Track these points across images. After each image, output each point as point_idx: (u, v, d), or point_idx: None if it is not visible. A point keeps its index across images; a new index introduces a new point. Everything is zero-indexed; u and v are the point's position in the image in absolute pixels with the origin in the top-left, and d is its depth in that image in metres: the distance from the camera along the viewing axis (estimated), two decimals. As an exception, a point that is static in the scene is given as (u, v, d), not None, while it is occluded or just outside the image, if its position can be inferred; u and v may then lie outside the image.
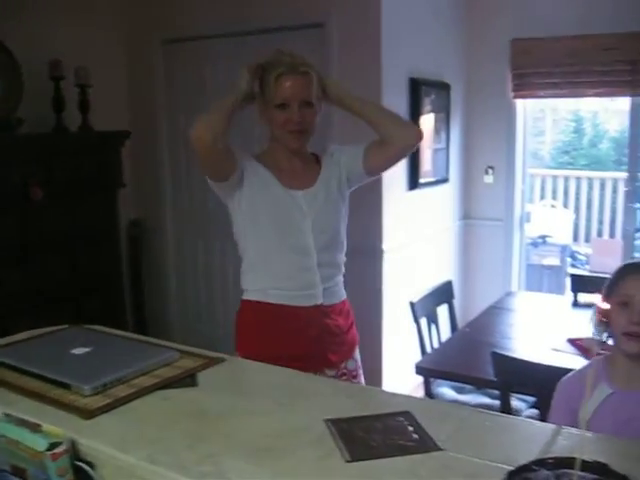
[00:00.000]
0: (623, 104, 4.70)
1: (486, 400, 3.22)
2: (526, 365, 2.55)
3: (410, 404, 1.53)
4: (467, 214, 5.18)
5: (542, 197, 7.46)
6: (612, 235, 7.04)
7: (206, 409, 1.53)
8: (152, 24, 4.72)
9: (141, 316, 5.06)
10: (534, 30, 4.67)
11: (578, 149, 9.17)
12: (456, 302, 4.02)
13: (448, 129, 4.74)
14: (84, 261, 4.18)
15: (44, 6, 4.19)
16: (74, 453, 1.37)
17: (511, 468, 1.16)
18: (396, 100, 4.00)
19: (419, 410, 1.49)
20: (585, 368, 1.99)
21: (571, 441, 1.36)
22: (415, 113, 4.23)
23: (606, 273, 4.80)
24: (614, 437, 1.52)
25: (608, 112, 8.85)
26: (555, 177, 7.60)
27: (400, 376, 4.02)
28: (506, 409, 2.63)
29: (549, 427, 1.47)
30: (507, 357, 2.62)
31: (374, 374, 3.90)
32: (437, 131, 4.57)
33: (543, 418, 2.48)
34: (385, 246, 4.04)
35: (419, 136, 2.27)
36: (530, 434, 1.44)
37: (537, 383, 2.49)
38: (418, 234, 4.50)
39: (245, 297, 2.35)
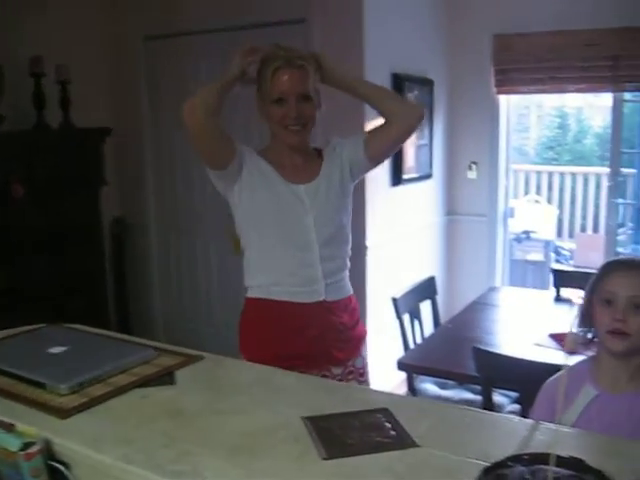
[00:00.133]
0: (607, 100, 4.72)
1: (469, 395, 3.23)
2: (507, 360, 2.55)
3: (388, 401, 1.53)
4: (451, 210, 5.19)
5: (526, 193, 7.48)
6: (596, 230, 7.07)
7: (183, 407, 1.52)
8: (134, 20, 4.69)
9: (125, 314, 5.03)
10: (516, 26, 4.68)
11: (562, 145, 9.21)
12: (440, 298, 4.03)
13: (431, 125, 4.74)
14: (66, 259, 4.14)
15: (24, 2, 4.16)
16: (49, 453, 1.36)
17: (487, 464, 1.16)
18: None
19: (397, 407, 1.48)
20: (568, 371, 1.89)
21: (549, 437, 1.36)
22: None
23: (590, 268, 4.84)
24: (591, 433, 1.52)
25: (592, 108, 8.89)
26: (539, 173, 7.62)
27: (383, 372, 4.00)
28: (488, 404, 2.63)
29: (527, 423, 1.47)
30: (488, 352, 2.62)
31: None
32: (420, 127, 4.56)
33: (525, 413, 2.49)
34: (368, 242, 4.04)
35: (421, 114, 2.24)
36: (508, 430, 1.44)
37: (519, 378, 2.49)
38: (401, 230, 4.50)
39: (248, 295, 2.31)
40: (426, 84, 4.59)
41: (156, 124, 4.86)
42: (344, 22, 3.94)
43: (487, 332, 3.36)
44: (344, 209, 2.30)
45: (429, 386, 3.38)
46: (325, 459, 1.27)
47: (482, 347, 2.67)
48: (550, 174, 7.53)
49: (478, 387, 2.90)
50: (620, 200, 4.87)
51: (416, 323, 3.60)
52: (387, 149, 2.33)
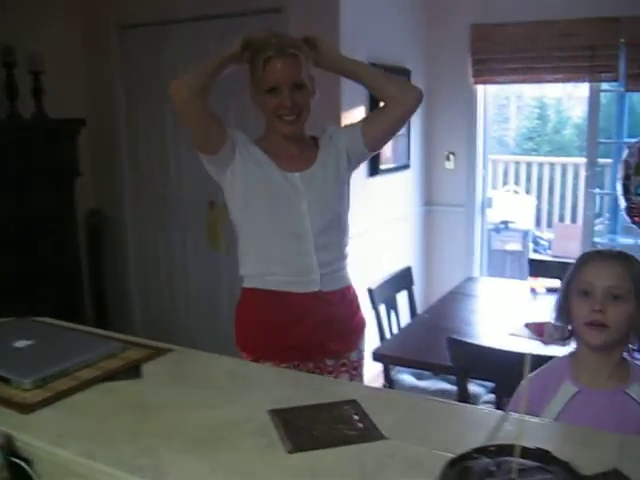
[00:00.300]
0: (586, 91, 4.73)
1: (445, 386, 3.22)
2: (482, 350, 2.54)
3: (357, 392, 1.52)
4: (428, 200, 5.18)
5: (505, 183, 7.49)
6: (574, 220, 7.09)
7: (148, 401, 1.49)
8: (108, 9, 4.63)
9: (102, 307, 4.99)
10: (494, 16, 4.68)
11: (542, 136, 9.23)
12: (418, 288, 4.02)
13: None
14: (40, 252, 4.09)
15: (-6, -10, 4.10)
16: (10, 449, 1.33)
17: (454, 456, 1.14)
18: (355, 86, 3.96)
19: (366, 399, 1.47)
20: (546, 369, 1.87)
21: (518, 427, 1.35)
22: (375, 99, 4.20)
23: (567, 258, 4.84)
24: (562, 423, 1.51)
25: (571, 99, 8.92)
26: (518, 163, 7.63)
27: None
28: (463, 395, 2.62)
29: (497, 414, 1.46)
30: (463, 342, 2.61)
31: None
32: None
33: (500, 403, 2.49)
34: (345, 233, 4.01)
35: (420, 96, 2.20)
36: (477, 421, 1.43)
37: (493, 368, 2.49)
38: (379, 221, 4.48)
39: (243, 285, 2.27)
40: (403, 74, 4.56)
41: (132, 115, 4.80)
42: (320, 12, 3.91)
43: (463, 322, 3.36)
44: (340, 198, 2.28)
45: (406, 377, 3.38)
46: (291, 452, 1.25)
47: (457, 337, 2.67)
48: (529, 164, 7.54)
49: (454, 377, 2.90)
50: (597, 190, 4.88)
51: (392, 314, 3.58)
52: (386, 133, 2.30)
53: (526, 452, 1.09)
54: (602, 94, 4.75)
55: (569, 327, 1.82)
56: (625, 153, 4.01)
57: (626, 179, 3.87)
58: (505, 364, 2.23)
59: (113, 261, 5.02)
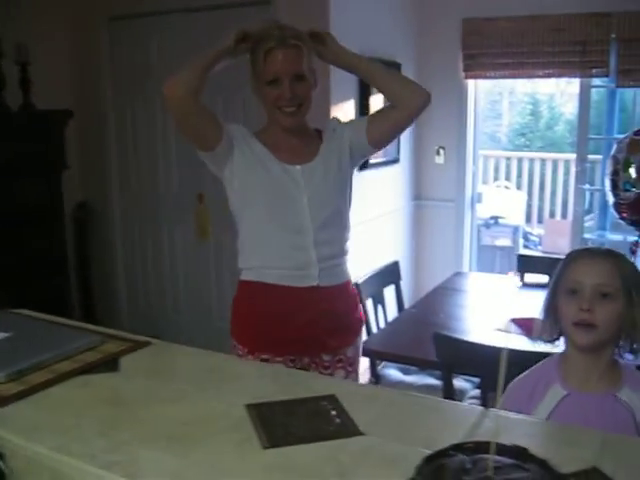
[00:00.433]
0: (578, 87, 4.72)
1: (432, 381, 3.21)
2: (467, 345, 2.53)
3: (336, 388, 1.50)
4: (418, 195, 5.16)
5: (496, 179, 7.48)
6: (564, 216, 7.09)
7: (124, 395, 1.47)
8: (97, 0, 4.59)
9: (89, 300, 4.97)
10: (485, 10, 4.65)
11: (534, 131, 9.23)
12: (407, 283, 4.00)
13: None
14: (27, 244, 4.07)
15: (-19, -20, 4.06)
16: (-18, 443, 1.31)
17: (431, 453, 1.13)
18: (345, 79, 3.94)
19: (345, 394, 1.45)
20: (535, 371, 1.82)
21: (498, 424, 1.34)
22: (364, 92, 4.18)
23: (557, 254, 4.83)
24: (543, 420, 1.50)
25: (564, 95, 8.92)
26: (509, 159, 7.63)
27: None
28: (449, 390, 2.61)
29: (477, 410, 1.44)
30: (448, 338, 2.59)
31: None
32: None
33: (485, 397, 2.48)
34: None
35: (427, 98, 2.15)
36: (457, 417, 1.42)
37: (478, 363, 2.47)
38: (368, 215, 4.46)
39: (241, 277, 2.25)
40: (393, 67, 4.54)
41: (120, 107, 4.77)
42: (310, 4, 3.88)
43: (450, 317, 3.34)
44: (341, 193, 2.24)
45: (392, 372, 3.37)
46: (266, 448, 1.23)
47: (442, 332, 2.65)
48: (520, 160, 7.54)
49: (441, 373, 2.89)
50: (587, 186, 4.87)
51: (380, 308, 3.57)
52: (390, 133, 2.27)
53: (503, 449, 1.07)
54: (595, 91, 4.74)
55: (558, 327, 1.77)
56: (614, 149, 4.00)
57: (614, 175, 3.86)
58: (490, 359, 2.20)
59: (100, 254, 4.99)
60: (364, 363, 3.44)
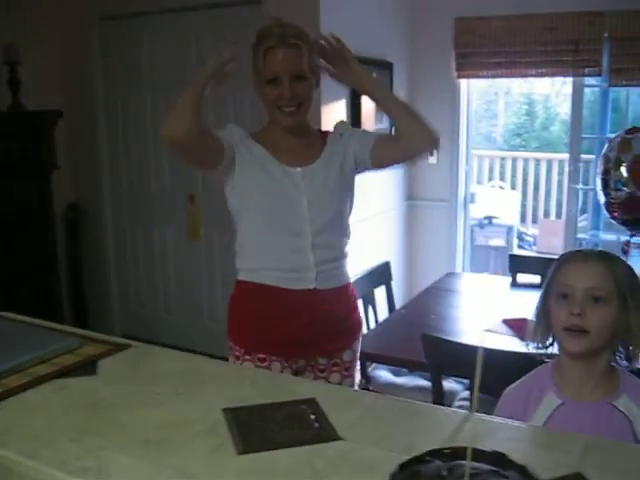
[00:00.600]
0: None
1: (422, 382, 3.18)
2: (456, 347, 2.49)
3: (316, 391, 1.47)
4: (411, 195, 5.13)
5: (491, 178, 7.46)
6: (559, 216, 7.07)
7: (100, 399, 1.44)
8: (87, 0, 4.57)
9: (80, 301, 4.94)
10: (477, 9, 4.63)
11: (530, 132, 9.22)
12: (400, 284, 3.97)
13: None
14: (16, 245, 4.04)
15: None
16: (-48, 449, 1.28)
17: (405, 459, 1.10)
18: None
19: (325, 397, 1.42)
20: (529, 379, 1.76)
21: (480, 428, 1.31)
22: (356, 93, 4.15)
23: (551, 254, 4.80)
24: (528, 425, 1.47)
25: (559, 95, 8.90)
26: (504, 159, 7.61)
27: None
28: (438, 392, 2.58)
29: (459, 414, 1.42)
30: (437, 339, 2.56)
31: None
32: (379, 110, 4.50)
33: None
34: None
35: (433, 142, 2.12)
36: (438, 421, 1.39)
37: (467, 365, 2.43)
38: (361, 215, 4.40)
39: (238, 277, 2.22)
40: (385, 67, 4.52)
41: (111, 107, 4.75)
42: (300, 3, 3.85)
43: (441, 318, 3.31)
44: (342, 198, 2.21)
45: (383, 373, 3.34)
46: (241, 453, 1.21)
47: (431, 333, 2.63)
48: (514, 160, 7.52)
49: (431, 374, 2.86)
50: (580, 186, 4.84)
51: (370, 309, 3.54)
52: (391, 162, 2.27)
53: (481, 455, 1.05)
54: (589, 91, 4.72)
55: (550, 332, 1.71)
56: (605, 147, 3.97)
57: (605, 174, 3.83)
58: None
59: (92, 255, 4.96)
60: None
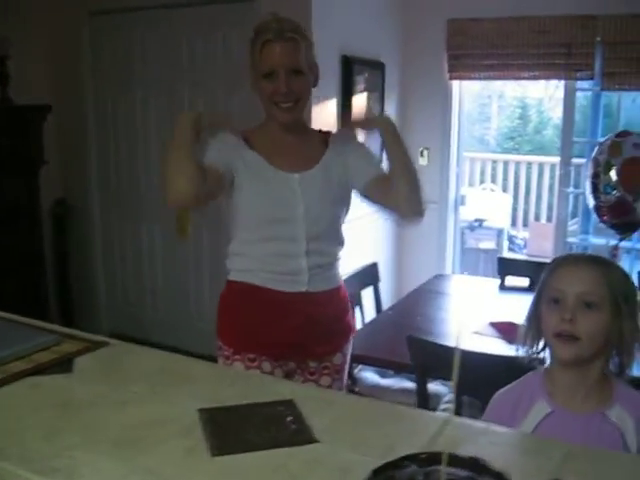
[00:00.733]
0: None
1: (408, 384, 3.15)
2: (441, 349, 2.47)
3: (296, 392, 1.44)
4: (401, 196, 5.10)
5: (482, 181, 7.46)
6: (549, 219, 7.06)
7: (75, 397, 1.42)
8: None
9: (66, 298, 4.90)
10: (470, 11, 4.62)
11: (523, 135, 9.23)
12: (389, 286, 3.95)
13: (382, 109, 4.65)
14: (3, 240, 4.00)
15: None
16: None
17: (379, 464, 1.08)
18: (328, 78, 3.89)
19: (304, 399, 1.40)
20: (519, 385, 1.71)
21: (460, 432, 1.29)
22: (347, 91, 4.14)
23: (542, 257, 4.78)
24: (510, 430, 1.45)
25: (552, 100, 8.91)
26: (495, 161, 7.60)
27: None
28: (423, 394, 2.56)
29: (440, 417, 1.40)
30: (422, 341, 2.54)
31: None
32: (371, 110, 4.48)
33: (459, 402, 2.43)
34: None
35: (416, 217, 2.09)
36: (418, 425, 1.36)
37: (452, 367, 2.42)
38: (350, 216, 4.39)
39: (229, 277, 2.19)
40: (377, 67, 4.51)
41: (101, 103, 4.71)
42: (293, 3, 3.82)
43: (428, 319, 3.29)
44: (339, 207, 2.18)
45: (369, 375, 3.32)
46: (214, 455, 1.18)
47: (417, 335, 2.60)
48: (506, 163, 7.51)
49: (418, 376, 2.84)
50: (571, 189, 4.84)
51: (357, 310, 3.52)
52: (376, 205, 2.20)
53: (457, 460, 1.03)
54: (582, 95, 4.71)
55: (541, 338, 1.67)
56: (595, 151, 3.96)
57: (595, 177, 3.81)
58: (464, 363, 2.16)
59: (79, 251, 4.92)
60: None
